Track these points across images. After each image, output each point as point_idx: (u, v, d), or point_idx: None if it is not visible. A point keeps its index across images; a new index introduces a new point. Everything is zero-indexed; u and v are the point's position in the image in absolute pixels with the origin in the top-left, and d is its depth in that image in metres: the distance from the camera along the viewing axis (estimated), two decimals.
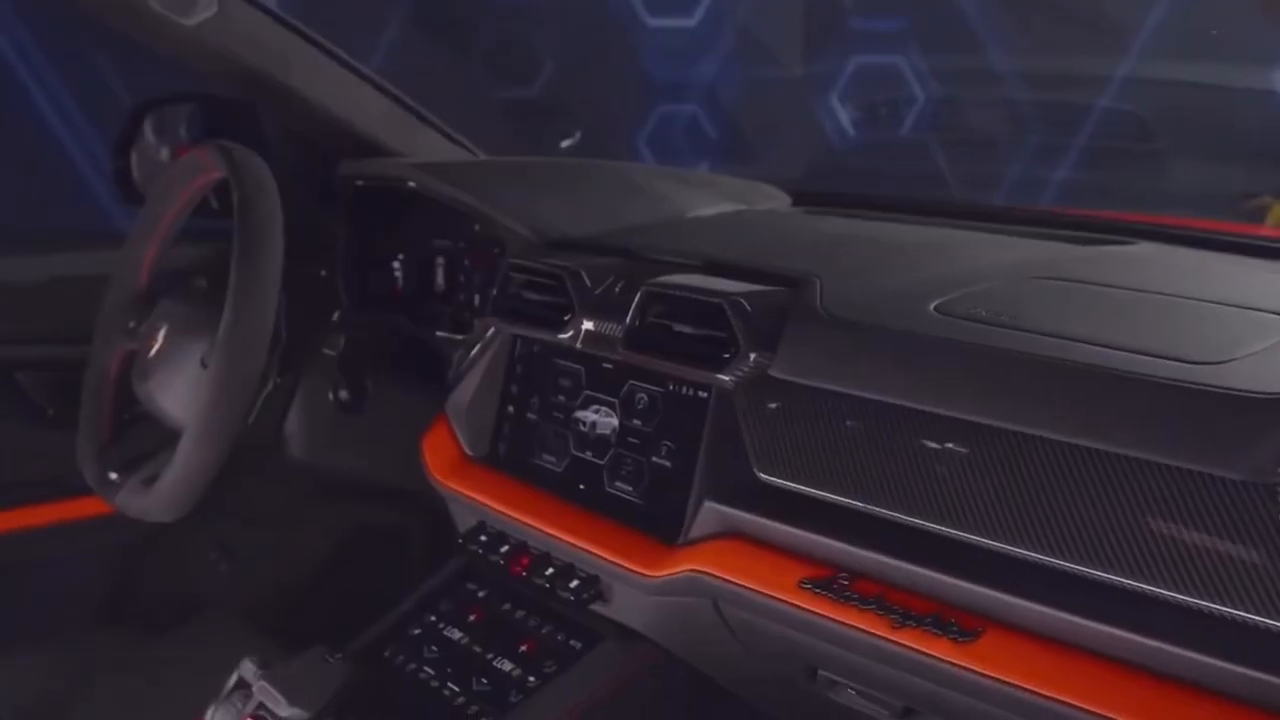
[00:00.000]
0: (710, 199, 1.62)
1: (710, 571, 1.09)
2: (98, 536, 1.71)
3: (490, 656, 1.26)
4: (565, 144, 2.04)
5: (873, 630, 0.97)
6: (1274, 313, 1.01)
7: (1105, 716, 0.85)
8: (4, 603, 1.68)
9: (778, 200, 1.74)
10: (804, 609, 1.01)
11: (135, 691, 1.49)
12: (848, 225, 1.55)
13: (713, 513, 1.12)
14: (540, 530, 1.26)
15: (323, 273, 1.74)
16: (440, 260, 1.68)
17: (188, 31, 1.62)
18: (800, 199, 1.75)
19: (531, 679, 1.21)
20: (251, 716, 1.16)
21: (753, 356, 1.12)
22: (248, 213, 1.31)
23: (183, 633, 1.65)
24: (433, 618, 1.34)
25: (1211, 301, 1.06)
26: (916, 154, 4.73)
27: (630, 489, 1.23)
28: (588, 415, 1.29)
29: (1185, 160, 4.33)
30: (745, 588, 1.06)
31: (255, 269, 1.29)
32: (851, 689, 1.08)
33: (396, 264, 1.73)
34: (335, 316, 1.72)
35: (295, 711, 1.13)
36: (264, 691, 1.16)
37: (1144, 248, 1.35)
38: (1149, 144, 4.42)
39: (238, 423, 1.30)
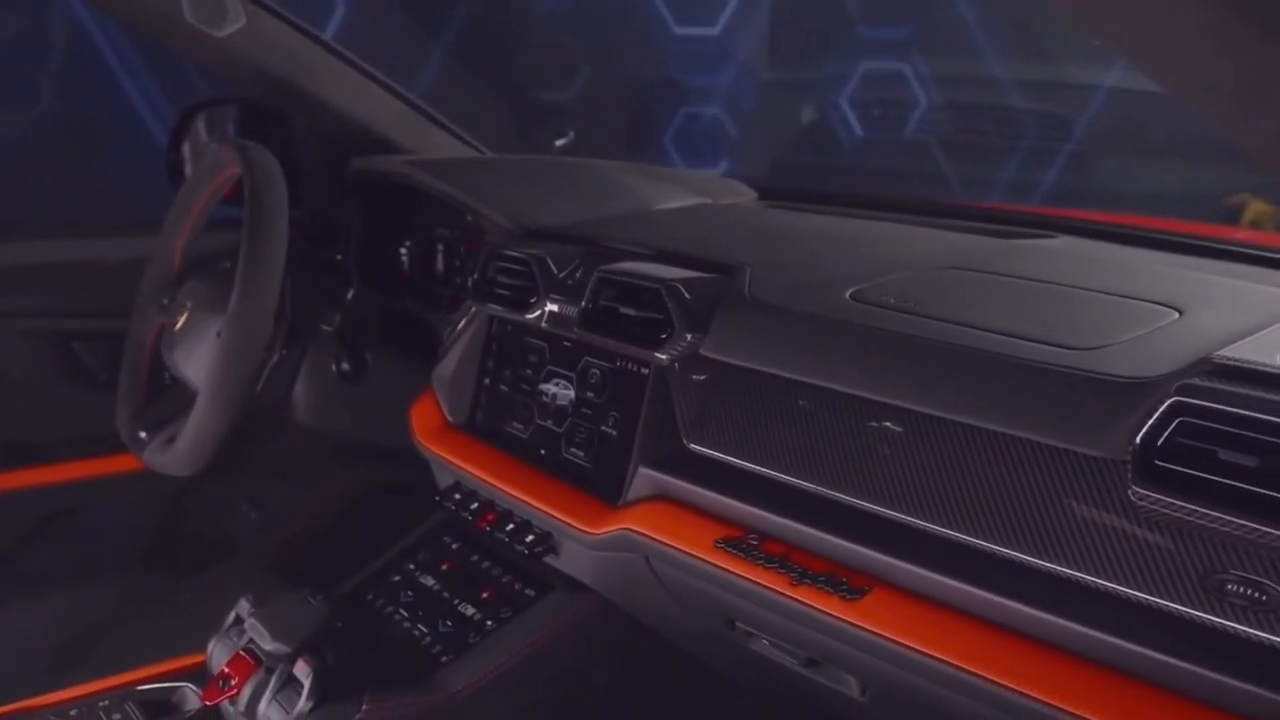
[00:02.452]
0: (678, 194, 1.61)
1: (640, 530, 1.09)
2: (142, 488, 1.74)
3: (456, 602, 1.27)
4: (560, 143, 2.02)
5: (774, 586, 0.96)
6: (1157, 303, 0.98)
7: (972, 672, 0.84)
8: (58, 544, 1.73)
9: (743, 195, 1.72)
10: (718, 566, 1.01)
11: (167, 624, 1.51)
12: (796, 218, 1.53)
13: (647, 478, 1.12)
14: (503, 490, 1.26)
15: (338, 257, 1.76)
16: (440, 247, 1.69)
17: (218, 42, 1.63)
18: (765, 194, 1.73)
19: (489, 623, 1.22)
20: (243, 649, 1.18)
21: (688, 337, 1.11)
22: (256, 203, 1.33)
23: (213, 574, 1.69)
24: (411, 566, 1.35)
25: (1105, 292, 1.04)
26: (915, 153, 4.66)
27: (582, 455, 1.23)
28: (550, 388, 1.29)
29: (1170, 162, 4.21)
30: (669, 545, 1.06)
31: (261, 252, 1.31)
32: (765, 639, 1.07)
33: (403, 250, 1.74)
34: (349, 296, 1.74)
35: (277, 646, 1.14)
36: (253, 628, 1.18)
37: (1063, 241, 1.32)
38: (1134, 147, 4.31)
39: (245, 389, 1.32)
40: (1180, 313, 0.95)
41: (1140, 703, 0.77)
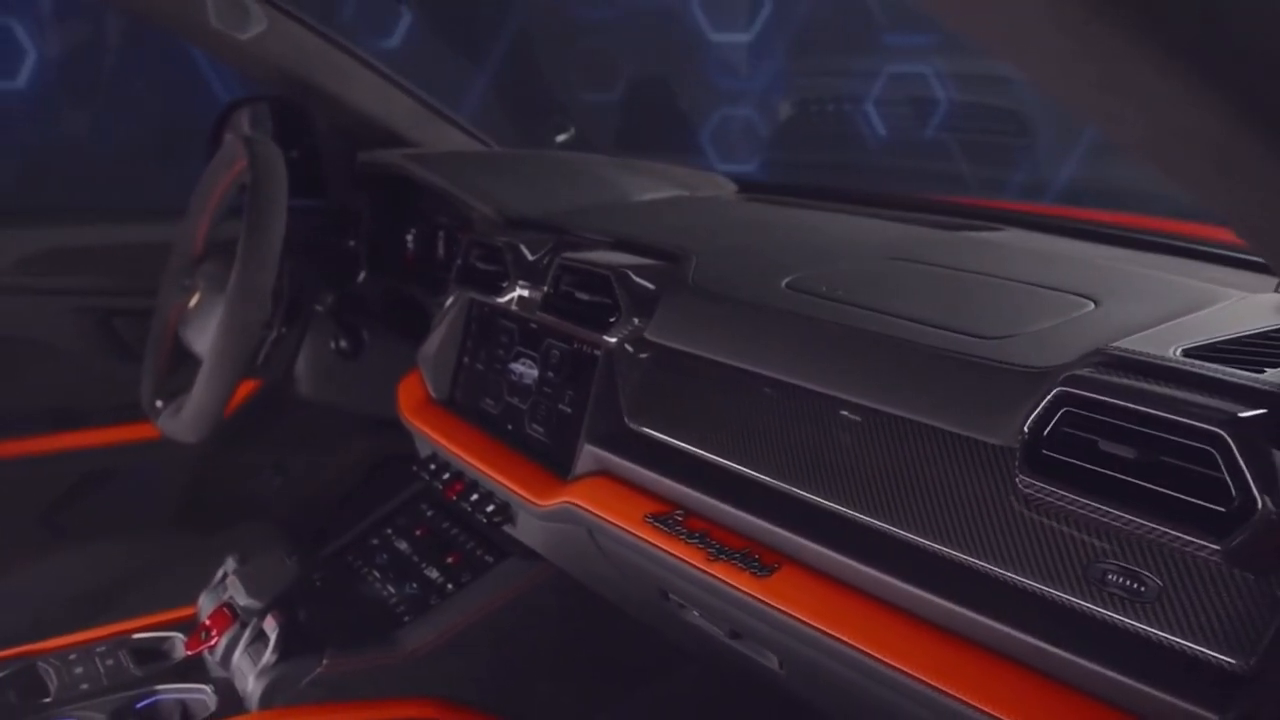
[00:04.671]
0: (659, 186, 1.56)
1: (580, 504, 1.05)
2: (173, 452, 1.75)
3: (424, 566, 1.25)
4: (560, 139, 1.97)
5: (692, 561, 0.92)
6: (1076, 294, 0.91)
7: (864, 651, 0.79)
8: (95, 502, 1.75)
9: (724, 188, 1.66)
10: (645, 540, 0.97)
11: (180, 578, 1.51)
12: (765, 211, 1.47)
13: (591, 454, 1.08)
14: (469, 462, 1.23)
15: (351, 243, 1.74)
16: (441, 235, 1.66)
17: (242, 45, 1.63)
18: (745, 188, 1.67)
19: (450, 586, 1.20)
20: (224, 604, 1.18)
21: (634, 321, 1.08)
22: (256, 193, 1.32)
23: (231, 533, 1.69)
24: (389, 531, 1.34)
25: (1029, 283, 0.97)
26: (934, 152, 4.52)
27: (542, 430, 1.19)
28: (518, 367, 1.26)
29: None
30: (604, 519, 1.02)
31: (258, 237, 1.29)
32: (695, 611, 1.03)
33: (408, 237, 1.72)
34: (359, 280, 1.72)
35: (251, 601, 1.14)
36: (232, 584, 1.17)
37: (1008, 234, 1.24)
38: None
39: (242, 363, 1.31)
40: (1096, 303, 0.88)
41: (1025, 690, 0.72)
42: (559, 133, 1.97)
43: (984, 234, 1.22)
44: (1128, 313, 0.84)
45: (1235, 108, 0.53)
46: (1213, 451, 0.62)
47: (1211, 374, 0.67)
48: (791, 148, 4.90)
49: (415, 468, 1.34)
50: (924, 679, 0.76)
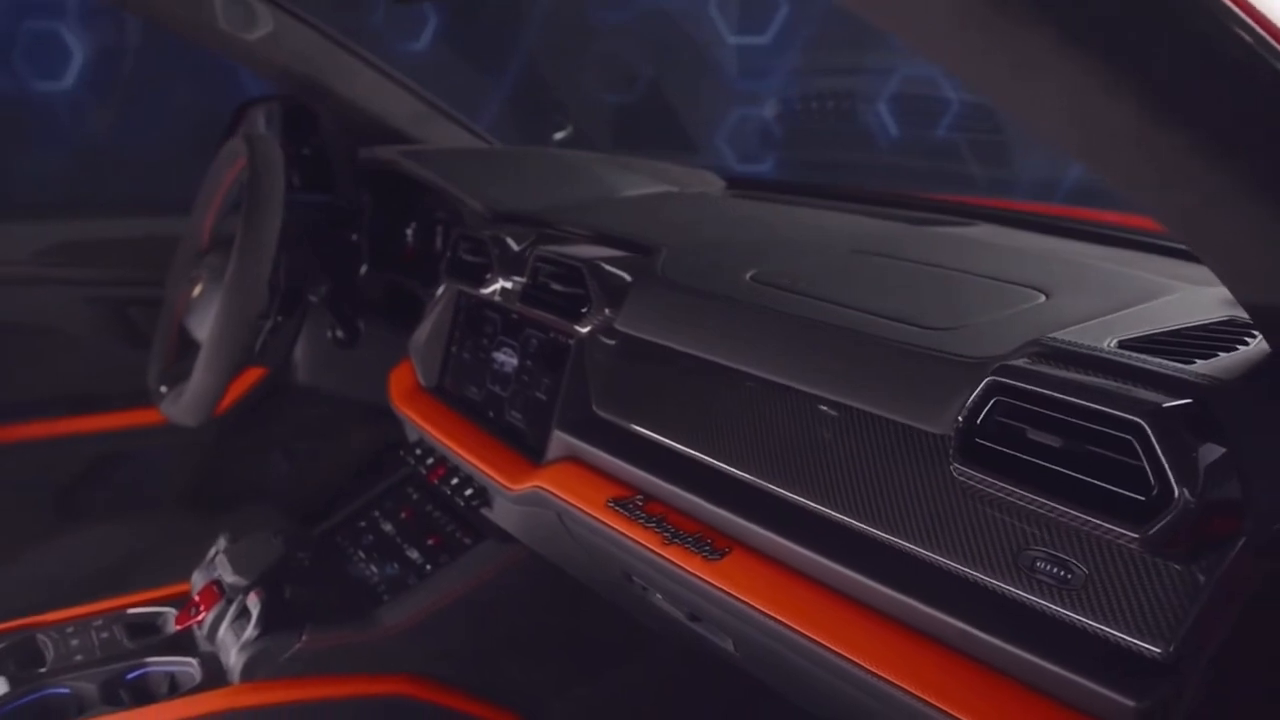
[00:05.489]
0: (647, 183, 1.55)
1: (548, 489, 1.05)
2: (185, 436, 1.77)
3: (406, 547, 1.26)
4: (558, 136, 1.96)
5: (648, 544, 0.92)
6: (1029, 286, 0.90)
7: (805, 635, 0.79)
8: (109, 482, 1.78)
9: (712, 185, 1.65)
10: (606, 524, 0.97)
11: (181, 556, 1.53)
12: (746, 206, 1.46)
13: (561, 440, 1.08)
14: (449, 447, 1.24)
15: (354, 237, 1.75)
16: (439, 229, 1.66)
17: (249, 45, 1.64)
18: (733, 184, 1.66)
19: (429, 567, 1.21)
20: (213, 580, 1.19)
21: (605, 311, 1.08)
22: (254, 188, 1.33)
23: (239, 515, 1.70)
24: (376, 513, 1.35)
25: (985, 275, 0.96)
26: (944, 152, 4.47)
27: (520, 417, 1.20)
28: (500, 356, 1.26)
29: None
30: (569, 503, 1.02)
31: (255, 230, 1.30)
32: (657, 593, 1.03)
33: (408, 231, 1.72)
34: (361, 272, 1.73)
35: (236, 579, 1.15)
36: (220, 562, 1.18)
37: (979, 229, 1.22)
38: None
39: (239, 351, 1.32)
40: (1047, 296, 0.87)
41: (957, 675, 0.71)
42: (557, 130, 1.97)
43: (954, 229, 1.21)
44: (1075, 305, 0.83)
45: (1150, 103, 0.52)
46: (1133, 441, 0.61)
47: (1139, 364, 0.66)
48: (805, 147, 4.86)
49: (402, 452, 1.35)
50: (858, 662, 0.75)
